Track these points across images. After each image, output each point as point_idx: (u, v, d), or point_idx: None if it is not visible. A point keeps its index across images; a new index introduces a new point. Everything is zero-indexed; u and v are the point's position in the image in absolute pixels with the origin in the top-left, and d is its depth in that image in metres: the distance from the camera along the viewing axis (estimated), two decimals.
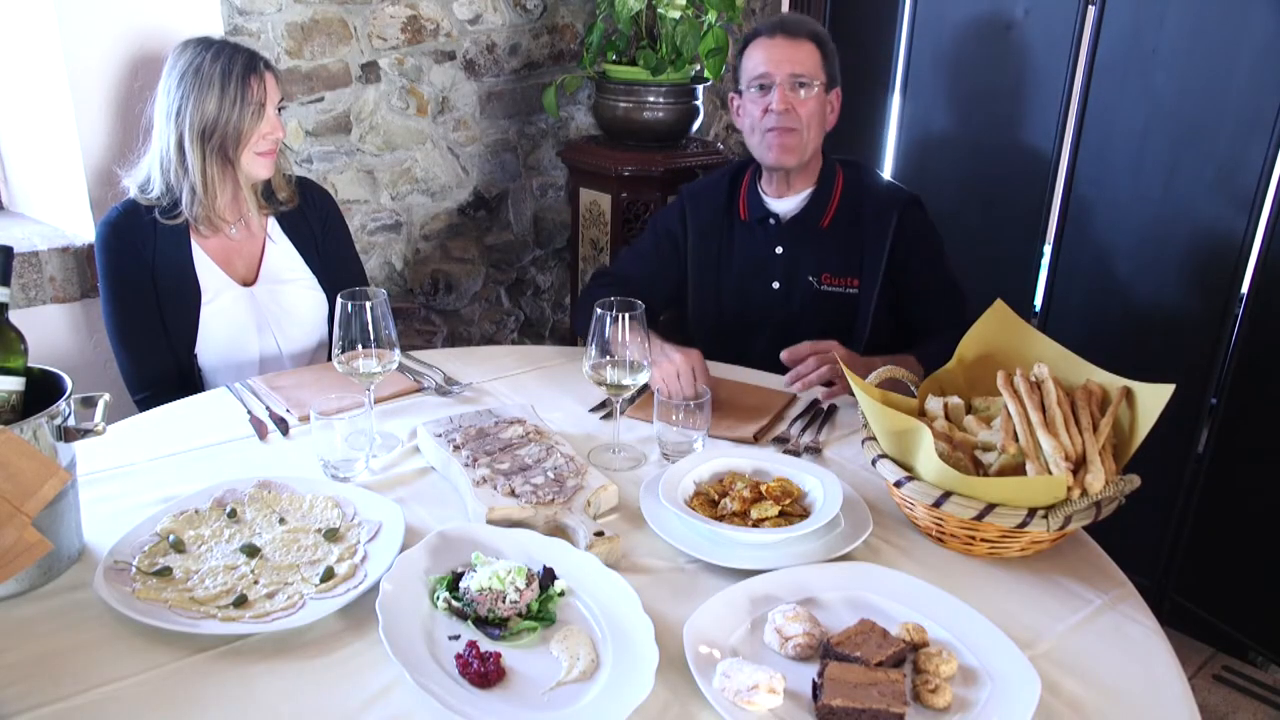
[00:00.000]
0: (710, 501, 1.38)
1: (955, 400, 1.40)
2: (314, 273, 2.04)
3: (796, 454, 1.58)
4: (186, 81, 1.81)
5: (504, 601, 1.12)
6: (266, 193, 1.99)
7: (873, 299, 1.96)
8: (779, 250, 2.02)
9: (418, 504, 1.41)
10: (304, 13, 2.45)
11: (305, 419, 1.62)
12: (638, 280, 2.03)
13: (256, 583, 1.19)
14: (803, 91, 1.90)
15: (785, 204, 2.02)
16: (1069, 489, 1.22)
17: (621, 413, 1.63)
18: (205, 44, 1.83)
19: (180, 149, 1.83)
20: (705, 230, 2.08)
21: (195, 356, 1.94)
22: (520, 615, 1.13)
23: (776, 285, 2.04)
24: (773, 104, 1.89)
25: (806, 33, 1.93)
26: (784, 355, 1.75)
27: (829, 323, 1.95)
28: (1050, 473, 1.23)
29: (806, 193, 2.01)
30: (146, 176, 1.88)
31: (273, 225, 2.01)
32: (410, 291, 2.91)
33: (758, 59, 1.93)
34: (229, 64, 1.80)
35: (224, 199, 1.90)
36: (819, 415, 1.73)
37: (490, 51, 2.83)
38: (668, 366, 1.67)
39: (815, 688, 1.04)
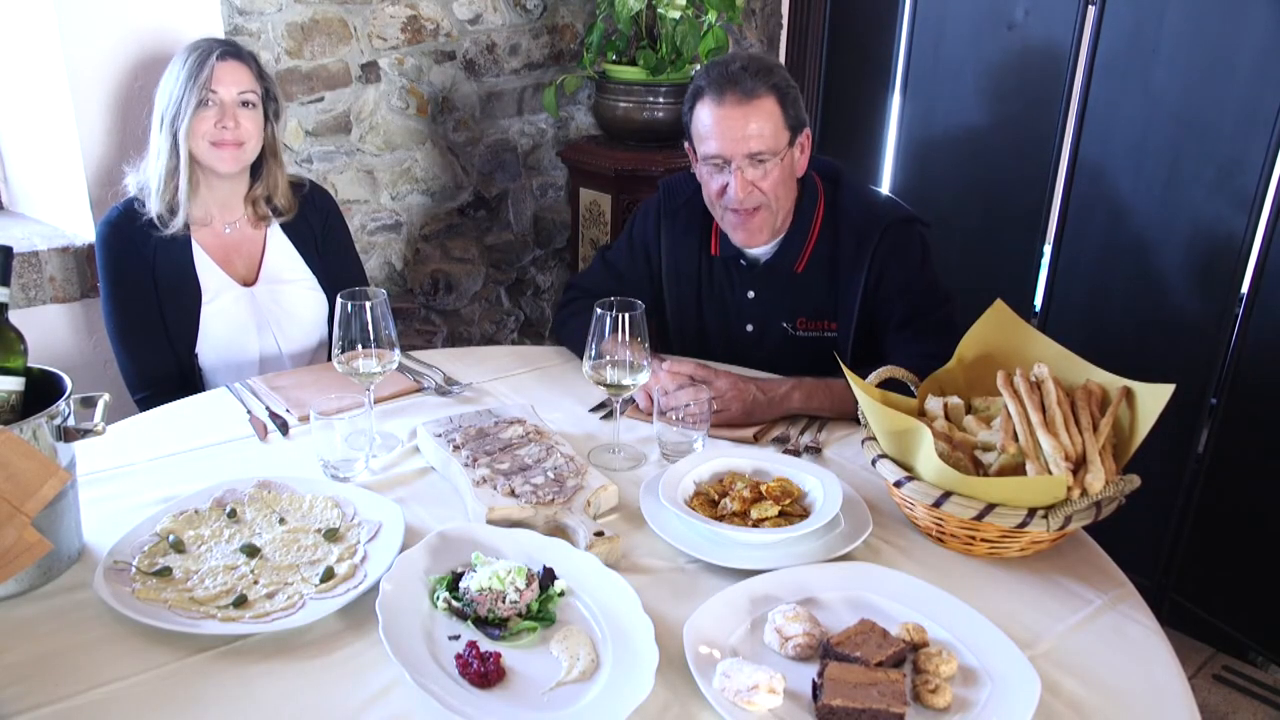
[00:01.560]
0: (710, 501, 1.38)
1: (955, 400, 1.40)
2: (314, 273, 2.04)
3: (796, 454, 1.58)
4: (164, 75, 1.84)
5: (504, 601, 1.12)
6: (269, 205, 1.99)
7: (849, 342, 1.84)
8: (750, 295, 1.90)
9: (418, 504, 1.41)
10: (304, 13, 2.45)
11: (305, 419, 1.62)
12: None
13: (256, 583, 1.19)
14: (763, 168, 1.71)
15: (758, 248, 1.87)
16: (1069, 489, 1.22)
17: (621, 413, 1.63)
18: (194, 44, 1.85)
19: (153, 141, 1.86)
20: (680, 257, 1.95)
21: (196, 356, 1.94)
22: (520, 615, 1.13)
23: (750, 329, 1.93)
24: (731, 189, 1.71)
25: (763, 88, 1.68)
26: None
27: (807, 367, 1.77)
28: (1050, 473, 1.23)
29: (781, 235, 1.85)
30: (147, 179, 1.89)
31: (274, 226, 2.01)
32: (410, 291, 2.91)
33: (707, 128, 1.71)
34: (194, 50, 1.83)
35: (191, 194, 1.87)
36: (819, 415, 1.72)
37: (490, 51, 2.83)
38: (664, 379, 1.63)
39: (815, 688, 1.04)
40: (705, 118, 1.72)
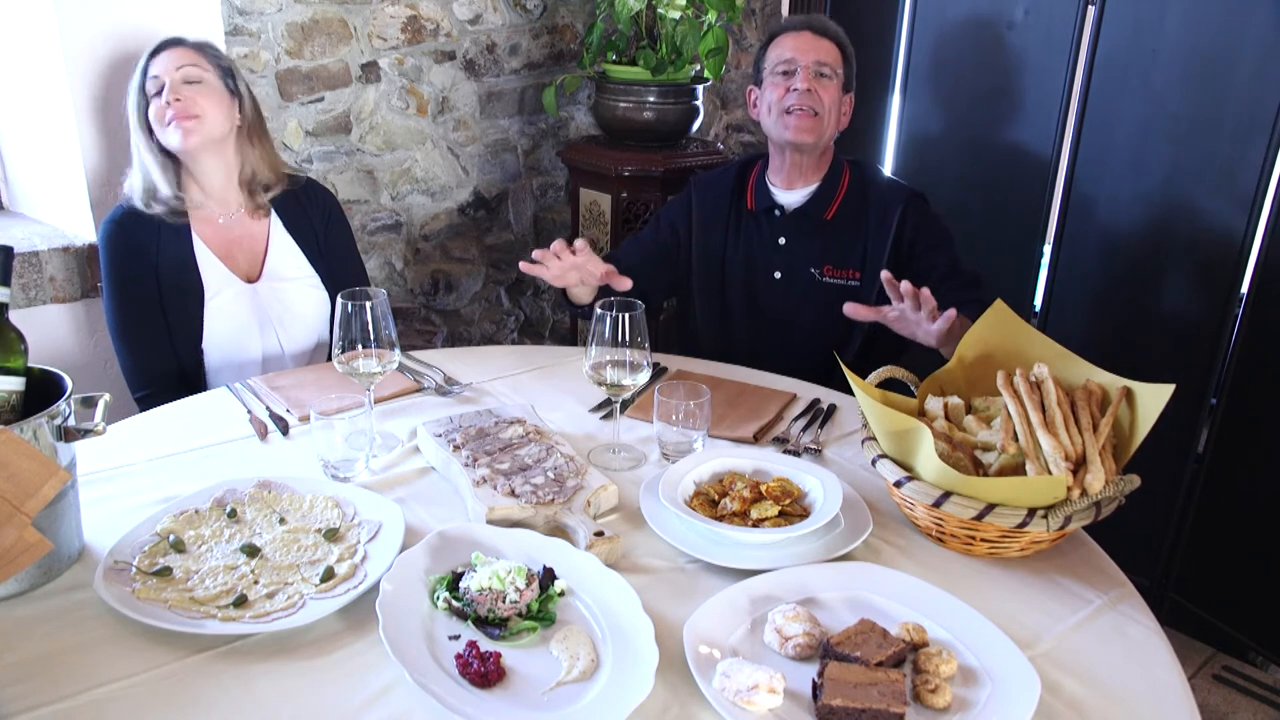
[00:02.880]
0: (710, 501, 1.38)
1: (955, 400, 1.40)
2: (316, 271, 2.04)
3: (796, 454, 1.58)
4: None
5: (504, 601, 1.12)
6: (258, 184, 1.98)
7: (874, 292, 1.97)
8: (781, 241, 2.07)
9: (418, 504, 1.41)
10: (304, 13, 2.45)
11: (305, 419, 1.62)
12: (636, 269, 1.97)
13: (256, 583, 1.19)
14: (824, 80, 1.96)
15: (791, 196, 2.06)
16: (1069, 489, 1.22)
17: (622, 413, 1.63)
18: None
19: (133, 148, 1.90)
20: (710, 220, 2.13)
21: (201, 353, 1.94)
22: (520, 615, 1.13)
23: (778, 275, 2.08)
24: (796, 83, 1.94)
25: (832, 34, 2.01)
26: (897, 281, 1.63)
27: (829, 314, 1.94)
28: (1050, 473, 1.23)
29: (814, 186, 2.05)
30: (134, 185, 1.90)
31: (275, 222, 2.01)
32: (410, 291, 2.91)
33: (784, 48, 1.99)
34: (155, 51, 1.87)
35: (175, 180, 1.90)
36: (819, 415, 1.73)
37: (490, 51, 2.83)
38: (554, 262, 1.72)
39: (815, 688, 1.04)
40: (784, 42, 2.01)
